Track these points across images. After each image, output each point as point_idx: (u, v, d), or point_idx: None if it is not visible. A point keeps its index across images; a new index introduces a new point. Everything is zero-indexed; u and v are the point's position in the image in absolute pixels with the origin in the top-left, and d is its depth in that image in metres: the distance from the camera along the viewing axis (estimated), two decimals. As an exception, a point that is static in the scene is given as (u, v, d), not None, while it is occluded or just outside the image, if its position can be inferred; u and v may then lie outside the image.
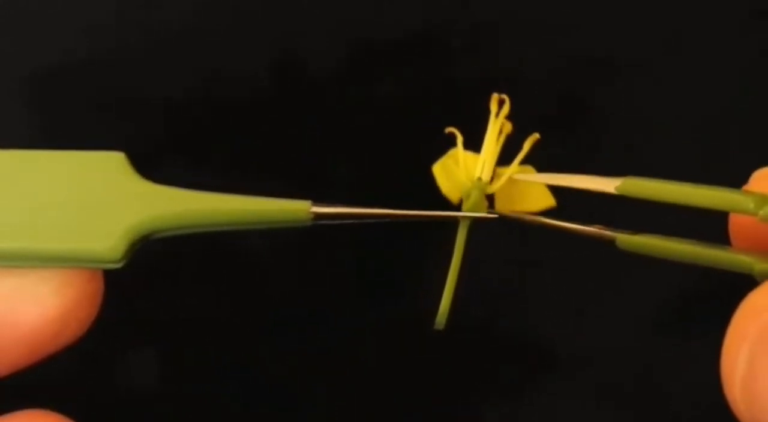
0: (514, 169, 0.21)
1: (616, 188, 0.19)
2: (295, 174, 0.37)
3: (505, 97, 0.21)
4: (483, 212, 0.21)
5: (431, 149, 0.37)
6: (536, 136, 0.21)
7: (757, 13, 0.38)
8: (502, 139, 0.21)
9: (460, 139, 0.21)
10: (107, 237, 0.19)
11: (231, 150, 0.37)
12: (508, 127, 0.21)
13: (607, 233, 0.20)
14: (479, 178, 0.21)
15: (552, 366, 0.36)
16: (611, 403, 0.36)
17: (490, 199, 0.21)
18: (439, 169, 0.22)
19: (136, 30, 0.38)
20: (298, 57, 0.38)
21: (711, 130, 0.37)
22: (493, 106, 0.21)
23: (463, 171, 0.21)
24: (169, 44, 0.38)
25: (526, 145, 0.21)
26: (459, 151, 0.21)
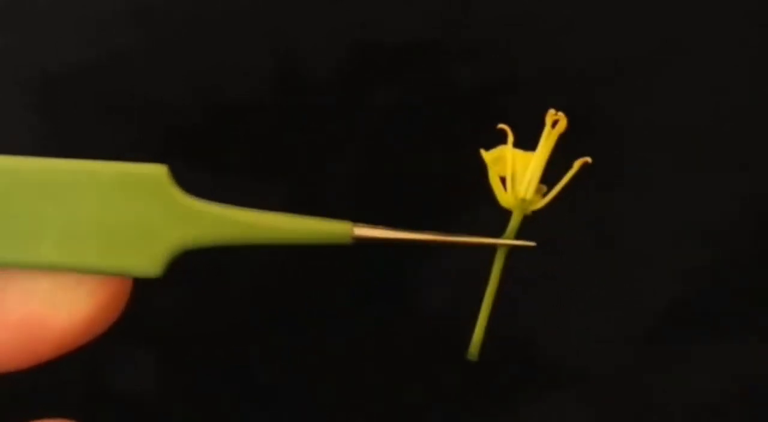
0: (559, 188, 0.21)
1: None
2: (295, 177, 0.37)
3: (561, 115, 0.20)
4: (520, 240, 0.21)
5: (432, 153, 0.37)
6: (587, 159, 0.20)
7: (760, 15, 0.38)
8: (554, 137, 0.21)
9: (510, 138, 0.21)
10: (148, 254, 0.19)
11: (233, 152, 0.37)
12: (563, 124, 0.21)
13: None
14: (522, 199, 0.20)
15: (552, 378, 0.36)
16: (612, 416, 0.36)
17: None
18: (490, 158, 0.21)
19: (138, 32, 0.38)
20: (299, 60, 0.38)
21: (714, 131, 0.37)
22: (549, 120, 0.21)
23: (510, 170, 0.21)
24: (171, 46, 0.38)
25: (576, 165, 0.20)
26: (508, 150, 0.21)
